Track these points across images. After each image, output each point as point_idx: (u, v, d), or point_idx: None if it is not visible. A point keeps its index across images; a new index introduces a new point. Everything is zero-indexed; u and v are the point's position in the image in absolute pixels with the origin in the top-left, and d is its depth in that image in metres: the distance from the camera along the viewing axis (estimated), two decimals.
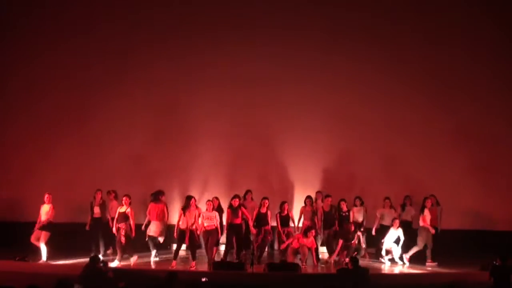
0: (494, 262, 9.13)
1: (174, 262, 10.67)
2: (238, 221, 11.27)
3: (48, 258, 11.05)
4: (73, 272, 8.88)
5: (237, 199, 11.37)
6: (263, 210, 11.31)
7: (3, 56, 14.13)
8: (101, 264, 8.93)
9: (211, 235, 10.96)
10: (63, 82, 14.03)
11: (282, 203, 11.64)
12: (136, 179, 13.42)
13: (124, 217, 11.08)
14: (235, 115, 13.90)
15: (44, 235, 11.08)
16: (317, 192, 12.71)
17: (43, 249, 11.05)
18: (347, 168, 13.67)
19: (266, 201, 11.38)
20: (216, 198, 12.01)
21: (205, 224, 10.98)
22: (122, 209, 11.15)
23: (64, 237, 11.85)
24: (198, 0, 14.19)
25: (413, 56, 13.84)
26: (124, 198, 11.26)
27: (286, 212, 11.55)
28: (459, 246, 12.19)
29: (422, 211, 11.61)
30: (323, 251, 12.32)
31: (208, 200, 11.38)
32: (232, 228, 11.24)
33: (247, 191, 12.35)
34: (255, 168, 13.77)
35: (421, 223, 11.58)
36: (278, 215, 11.52)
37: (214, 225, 11.00)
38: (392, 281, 10.14)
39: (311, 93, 13.81)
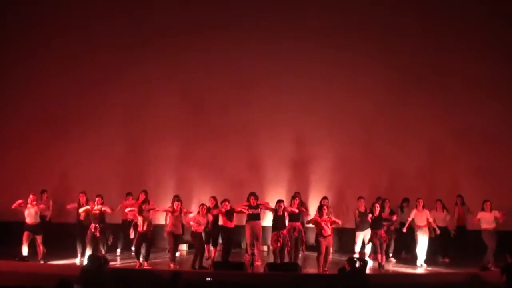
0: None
1: (138, 262, 10.85)
2: (231, 225, 11.33)
3: (47, 258, 11.07)
4: (73, 272, 8.86)
5: (227, 203, 11.34)
6: (280, 213, 10.98)
7: None
8: (101, 261, 8.91)
9: (199, 238, 10.99)
10: (59, 80, 14.04)
11: (293, 197, 11.52)
12: (132, 179, 13.42)
13: (99, 217, 11.08)
14: (232, 115, 13.89)
15: (39, 238, 11.04)
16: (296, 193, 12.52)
17: (41, 251, 11.04)
18: (350, 168, 13.71)
19: (282, 203, 11.07)
20: (214, 198, 11.93)
21: (194, 227, 10.98)
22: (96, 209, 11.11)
23: (64, 237, 11.87)
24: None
25: (418, 54, 13.86)
26: (97, 199, 11.23)
27: (296, 206, 11.37)
28: (471, 246, 12.13)
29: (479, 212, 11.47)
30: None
31: (202, 204, 11.25)
32: (224, 231, 11.31)
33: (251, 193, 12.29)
34: (259, 168, 13.83)
35: (482, 226, 11.38)
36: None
37: (202, 229, 11.07)
38: (392, 281, 10.12)
39: (311, 92, 13.84)
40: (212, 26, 13.97)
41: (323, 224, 10.49)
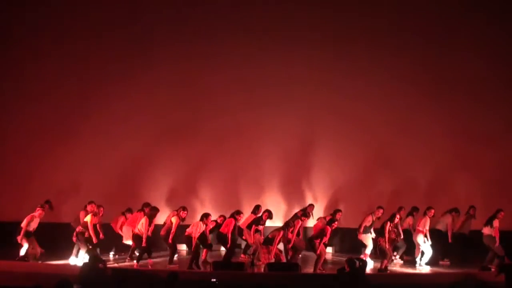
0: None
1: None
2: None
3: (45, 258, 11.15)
4: (73, 273, 8.88)
5: (242, 214, 11.56)
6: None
7: (2, 58, 14.09)
8: (101, 261, 8.94)
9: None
10: (61, 83, 14.00)
11: (304, 214, 11.61)
12: (133, 183, 13.45)
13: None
14: (235, 119, 13.90)
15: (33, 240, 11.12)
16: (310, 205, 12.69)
17: (38, 252, 11.08)
18: (354, 173, 13.71)
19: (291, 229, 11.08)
20: (223, 216, 11.94)
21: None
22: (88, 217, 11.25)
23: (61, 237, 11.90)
24: (202, 4, 14.19)
25: (415, 56, 13.84)
26: (100, 209, 11.42)
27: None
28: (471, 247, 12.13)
29: (490, 222, 11.37)
30: None
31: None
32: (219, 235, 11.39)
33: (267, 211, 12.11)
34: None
35: (489, 232, 11.35)
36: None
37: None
38: (392, 281, 10.12)
39: (316, 97, 13.83)
40: (218, 31, 13.97)
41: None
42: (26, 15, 14.11)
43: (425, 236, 11.47)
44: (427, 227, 11.53)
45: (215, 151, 13.84)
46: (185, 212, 11.18)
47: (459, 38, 13.86)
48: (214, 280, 8.55)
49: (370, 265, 11.18)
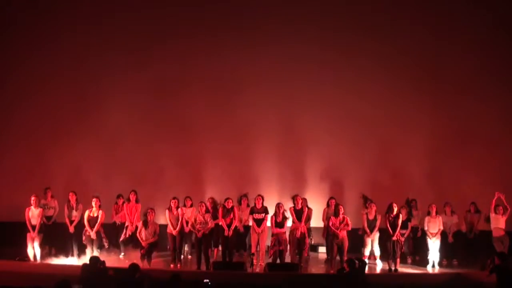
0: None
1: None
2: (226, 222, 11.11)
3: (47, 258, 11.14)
4: (73, 273, 8.87)
5: (231, 200, 11.19)
6: (279, 219, 10.84)
7: (1, 55, 14.08)
8: (102, 261, 8.93)
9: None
10: (61, 80, 13.98)
11: (295, 196, 11.22)
12: (133, 179, 13.36)
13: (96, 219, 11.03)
14: (232, 115, 13.89)
15: (39, 238, 11.00)
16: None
17: (38, 251, 10.99)
18: (350, 169, 13.68)
19: (282, 206, 10.94)
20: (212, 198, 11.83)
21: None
22: (93, 212, 11.04)
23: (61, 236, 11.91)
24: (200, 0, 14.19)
25: (416, 54, 13.82)
26: (95, 200, 11.11)
27: (300, 206, 11.13)
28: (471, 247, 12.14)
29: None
30: None
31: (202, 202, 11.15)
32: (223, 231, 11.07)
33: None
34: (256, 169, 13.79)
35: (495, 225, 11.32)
36: (292, 208, 11.04)
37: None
38: (392, 281, 10.14)
39: (311, 91, 13.80)
40: (216, 30, 13.93)
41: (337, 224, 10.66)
42: (23, 14, 14.09)
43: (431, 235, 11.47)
44: (429, 228, 11.52)
45: (214, 147, 13.83)
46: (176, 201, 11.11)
47: (460, 38, 13.83)
48: (207, 281, 8.50)
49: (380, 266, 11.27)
